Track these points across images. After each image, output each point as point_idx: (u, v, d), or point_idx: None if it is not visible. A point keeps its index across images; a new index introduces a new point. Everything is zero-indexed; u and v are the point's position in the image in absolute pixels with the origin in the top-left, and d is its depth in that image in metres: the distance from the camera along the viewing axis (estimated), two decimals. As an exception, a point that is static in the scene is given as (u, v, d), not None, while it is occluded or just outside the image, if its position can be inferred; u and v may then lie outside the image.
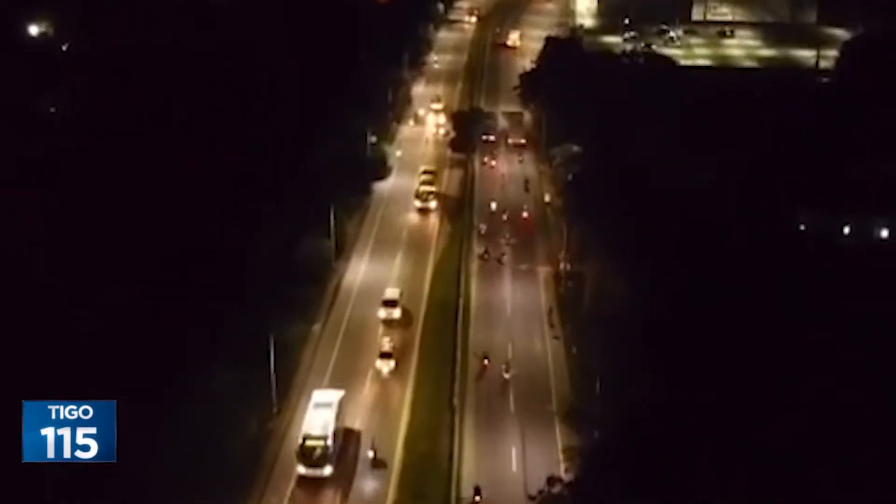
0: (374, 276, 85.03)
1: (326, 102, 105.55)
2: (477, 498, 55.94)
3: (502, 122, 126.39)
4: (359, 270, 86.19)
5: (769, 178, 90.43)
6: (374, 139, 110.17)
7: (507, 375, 68.50)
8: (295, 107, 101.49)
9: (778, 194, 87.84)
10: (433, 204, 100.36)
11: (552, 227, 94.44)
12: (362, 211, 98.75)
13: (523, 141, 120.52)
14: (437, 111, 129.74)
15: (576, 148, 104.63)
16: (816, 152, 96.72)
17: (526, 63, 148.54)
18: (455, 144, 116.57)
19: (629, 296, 68.03)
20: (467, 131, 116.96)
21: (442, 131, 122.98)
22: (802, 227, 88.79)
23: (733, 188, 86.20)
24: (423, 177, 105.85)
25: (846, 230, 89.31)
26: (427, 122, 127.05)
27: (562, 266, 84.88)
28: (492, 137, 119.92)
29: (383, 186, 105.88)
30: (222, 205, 76.76)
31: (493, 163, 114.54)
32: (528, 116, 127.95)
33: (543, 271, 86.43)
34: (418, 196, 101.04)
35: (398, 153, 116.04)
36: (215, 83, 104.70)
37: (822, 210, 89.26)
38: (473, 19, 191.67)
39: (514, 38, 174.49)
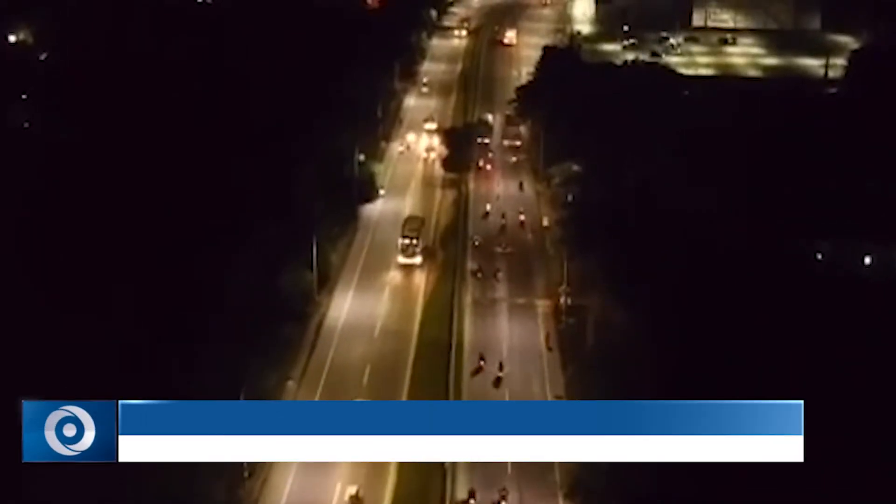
0: (360, 311, 79.14)
1: (311, 116, 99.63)
2: (472, 501, 54.87)
3: (498, 127, 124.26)
4: (344, 306, 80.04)
5: (780, 200, 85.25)
6: (362, 157, 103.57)
7: (501, 374, 69.15)
8: (276, 121, 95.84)
9: (791, 219, 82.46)
10: (419, 259, 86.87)
11: (551, 258, 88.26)
12: (349, 237, 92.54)
13: (519, 143, 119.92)
14: (430, 132, 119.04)
15: (575, 167, 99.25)
16: (831, 171, 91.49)
17: (522, 72, 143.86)
18: (448, 164, 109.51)
19: (636, 341, 62.45)
20: (461, 149, 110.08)
21: (433, 155, 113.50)
22: (819, 257, 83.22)
23: (742, 211, 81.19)
24: (407, 226, 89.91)
25: (867, 260, 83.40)
26: (420, 144, 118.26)
27: (562, 300, 78.95)
28: (487, 140, 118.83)
29: (372, 210, 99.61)
30: (190, 232, 71.06)
31: (489, 167, 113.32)
32: (524, 130, 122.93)
33: (542, 305, 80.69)
34: (402, 251, 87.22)
35: (388, 175, 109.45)
36: (193, 94, 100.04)
37: (841, 237, 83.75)
38: (464, 32, 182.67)
39: (510, 35, 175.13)
